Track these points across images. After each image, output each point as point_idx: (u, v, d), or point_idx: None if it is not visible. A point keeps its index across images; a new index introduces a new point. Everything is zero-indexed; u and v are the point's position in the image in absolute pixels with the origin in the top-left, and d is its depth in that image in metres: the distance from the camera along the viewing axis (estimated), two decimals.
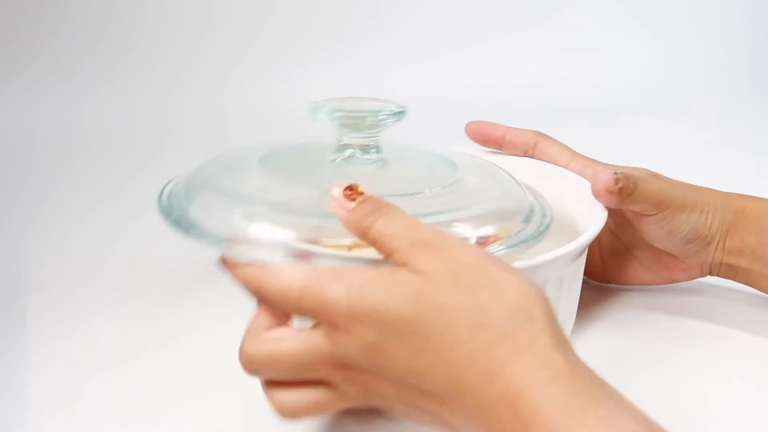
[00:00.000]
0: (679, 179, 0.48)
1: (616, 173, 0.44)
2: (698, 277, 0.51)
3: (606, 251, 0.52)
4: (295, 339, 0.32)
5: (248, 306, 0.35)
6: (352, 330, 0.30)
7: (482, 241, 0.38)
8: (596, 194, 0.45)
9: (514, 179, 0.45)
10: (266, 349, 0.32)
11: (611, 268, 0.52)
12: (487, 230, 0.38)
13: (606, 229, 0.47)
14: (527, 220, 0.41)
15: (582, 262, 0.46)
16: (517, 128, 0.52)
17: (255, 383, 0.35)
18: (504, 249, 0.37)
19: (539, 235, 0.40)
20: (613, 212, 0.47)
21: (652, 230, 0.47)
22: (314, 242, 0.35)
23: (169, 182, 0.44)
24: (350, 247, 0.35)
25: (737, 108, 1.05)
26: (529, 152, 0.51)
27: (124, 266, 0.58)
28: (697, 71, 1.14)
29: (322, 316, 0.31)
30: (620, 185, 0.44)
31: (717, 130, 0.97)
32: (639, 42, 1.16)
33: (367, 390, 0.32)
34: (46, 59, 0.97)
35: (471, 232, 0.37)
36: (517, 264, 0.38)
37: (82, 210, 0.70)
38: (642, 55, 1.15)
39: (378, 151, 0.43)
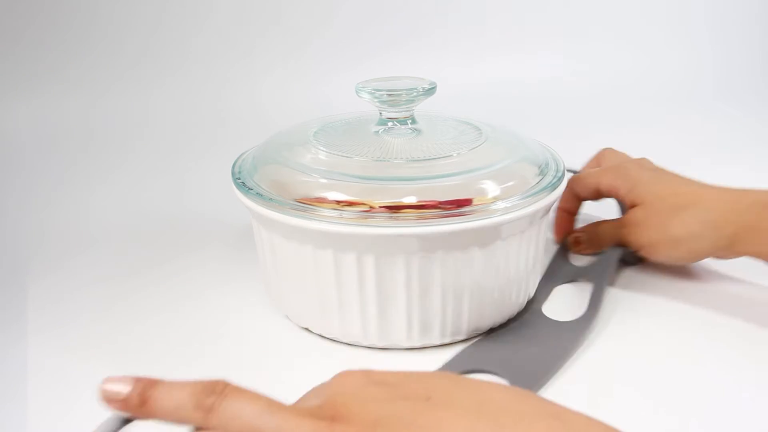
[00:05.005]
0: (691, 177, 0.51)
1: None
2: None
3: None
4: None
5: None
6: None
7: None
8: None
9: (532, 139, 0.53)
10: None
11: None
12: (508, 183, 0.46)
13: None
14: (542, 173, 0.48)
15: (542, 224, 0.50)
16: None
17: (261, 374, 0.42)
18: (522, 198, 0.45)
19: (552, 185, 0.47)
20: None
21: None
22: (363, 203, 0.44)
23: (243, 153, 0.52)
24: (397, 209, 0.43)
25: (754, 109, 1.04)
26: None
27: (125, 263, 0.60)
28: (724, 66, 1.15)
29: None
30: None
31: (748, 126, 0.97)
32: (649, 40, 1.17)
33: None
34: (57, 58, 0.96)
35: (495, 186, 0.45)
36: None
37: (85, 208, 0.72)
38: (670, 51, 1.16)
39: (413, 122, 0.51)
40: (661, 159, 0.57)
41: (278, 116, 0.93)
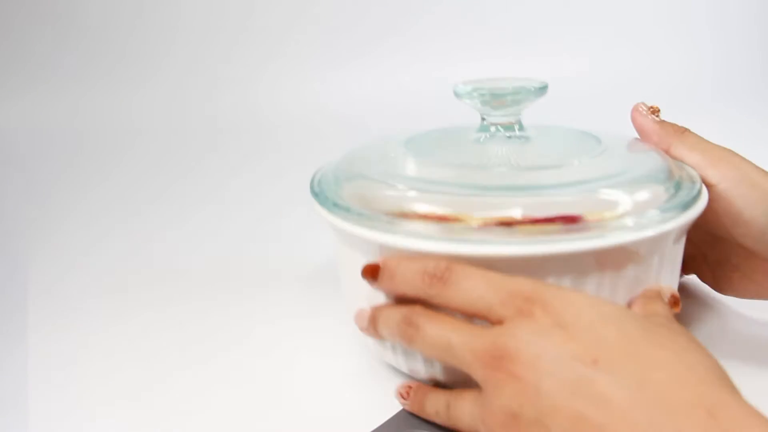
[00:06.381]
0: None
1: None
2: None
3: (712, 262, 0.48)
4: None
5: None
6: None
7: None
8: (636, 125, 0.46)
9: (656, 150, 0.45)
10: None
11: (720, 279, 0.48)
12: (641, 196, 0.38)
13: (707, 238, 0.46)
14: (677, 186, 0.41)
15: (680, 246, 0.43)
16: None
17: (256, 381, 0.41)
18: (660, 212, 0.38)
19: (692, 200, 0.39)
20: (707, 220, 0.42)
21: (726, 211, 0.42)
22: (463, 219, 0.37)
23: (317, 171, 0.46)
24: (509, 224, 0.36)
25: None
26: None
27: (128, 268, 0.59)
28: (724, 66, 1.14)
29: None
30: (657, 113, 0.46)
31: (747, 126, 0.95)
32: (666, 38, 1.16)
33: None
34: (56, 58, 1.00)
35: (626, 198, 0.38)
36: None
37: (88, 212, 0.72)
38: (671, 51, 1.15)
39: (521, 128, 0.44)
40: None
41: (274, 115, 0.96)
